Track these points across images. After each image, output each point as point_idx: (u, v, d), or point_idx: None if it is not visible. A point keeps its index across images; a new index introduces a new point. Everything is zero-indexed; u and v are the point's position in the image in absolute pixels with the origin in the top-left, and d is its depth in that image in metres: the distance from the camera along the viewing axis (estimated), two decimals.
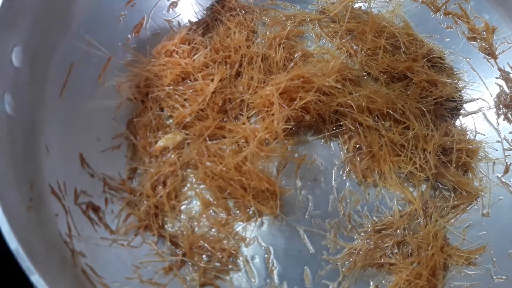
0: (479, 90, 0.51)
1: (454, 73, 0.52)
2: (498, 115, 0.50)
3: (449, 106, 0.50)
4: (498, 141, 0.49)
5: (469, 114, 0.51)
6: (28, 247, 0.30)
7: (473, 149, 0.48)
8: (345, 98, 0.47)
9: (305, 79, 0.47)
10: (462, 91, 0.51)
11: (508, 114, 0.50)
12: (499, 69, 0.51)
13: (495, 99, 0.51)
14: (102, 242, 0.40)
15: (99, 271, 0.37)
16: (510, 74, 0.51)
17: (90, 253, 0.38)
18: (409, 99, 0.49)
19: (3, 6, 0.34)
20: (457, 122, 0.50)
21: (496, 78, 0.51)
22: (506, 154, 0.48)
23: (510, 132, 0.49)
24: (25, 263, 0.29)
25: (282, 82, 0.46)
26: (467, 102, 0.51)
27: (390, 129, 0.48)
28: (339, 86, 0.47)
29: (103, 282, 0.37)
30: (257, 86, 0.48)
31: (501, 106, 0.50)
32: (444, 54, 0.52)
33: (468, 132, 0.49)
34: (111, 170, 0.44)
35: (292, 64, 0.50)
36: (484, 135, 0.49)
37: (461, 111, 0.51)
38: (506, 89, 0.51)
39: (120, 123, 0.46)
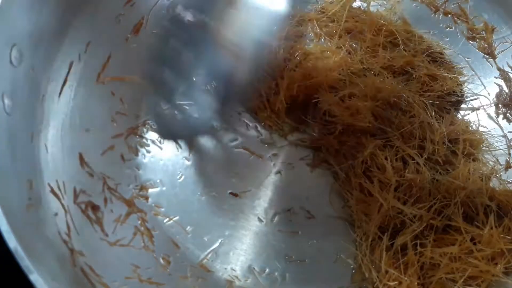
0: (479, 90, 0.51)
1: (454, 67, 0.52)
2: (498, 115, 0.50)
3: (451, 100, 0.50)
4: (502, 136, 0.49)
5: (471, 110, 0.50)
6: (27, 246, 0.29)
7: (477, 139, 0.47)
8: (353, 89, 0.47)
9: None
10: (463, 86, 0.51)
11: (508, 114, 0.50)
12: (498, 69, 0.51)
13: (495, 99, 0.51)
14: (101, 242, 0.41)
15: (98, 270, 0.37)
16: (509, 73, 0.51)
17: (89, 252, 0.38)
18: (411, 93, 0.49)
19: (3, 5, 0.34)
20: (459, 116, 0.50)
21: (496, 77, 0.51)
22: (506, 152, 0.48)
23: (509, 132, 0.49)
24: (24, 262, 0.29)
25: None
26: (468, 98, 0.51)
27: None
28: (345, 78, 0.47)
29: (102, 281, 0.37)
30: None
31: (500, 105, 0.50)
32: (444, 49, 0.52)
33: (471, 124, 0.49)
34: (111, 170, 0.44)
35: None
36: (486, 127, 0.49)
37: (463, 106, 0.50)
38: (505, 88, 0.50)
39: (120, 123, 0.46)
